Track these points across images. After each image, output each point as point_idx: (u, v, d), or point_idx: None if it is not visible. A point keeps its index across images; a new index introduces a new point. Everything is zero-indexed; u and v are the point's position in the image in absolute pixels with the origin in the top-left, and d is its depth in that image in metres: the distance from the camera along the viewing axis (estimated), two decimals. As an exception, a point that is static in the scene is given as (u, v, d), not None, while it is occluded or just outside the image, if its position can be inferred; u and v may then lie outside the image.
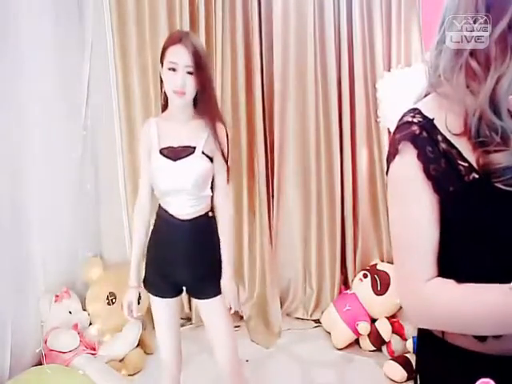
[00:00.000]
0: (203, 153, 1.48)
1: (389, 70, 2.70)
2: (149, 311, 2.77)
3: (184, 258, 1.52)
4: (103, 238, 2.80)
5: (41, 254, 2.37)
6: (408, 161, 0.73)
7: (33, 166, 2.29)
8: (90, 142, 2.71)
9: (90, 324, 2.50)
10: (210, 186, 1.54)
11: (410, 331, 2.37)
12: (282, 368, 2.44)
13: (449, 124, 0.72)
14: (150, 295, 1.60)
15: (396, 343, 2.43)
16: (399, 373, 2.25)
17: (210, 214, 1.55)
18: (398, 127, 0.77)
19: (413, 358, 2.15)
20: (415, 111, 0.76)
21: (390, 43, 2.79)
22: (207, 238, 1.54)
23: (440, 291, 0.70)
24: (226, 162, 1.53)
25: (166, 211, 1.53)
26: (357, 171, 2.89)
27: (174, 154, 1.47)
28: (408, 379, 2.23)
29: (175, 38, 1.42)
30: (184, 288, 1.62)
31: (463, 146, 0.71)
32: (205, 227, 1.54)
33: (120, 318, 2.48)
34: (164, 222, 1.55)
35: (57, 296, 2.39)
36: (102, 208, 2.79)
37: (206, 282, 1.55)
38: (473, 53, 0.71)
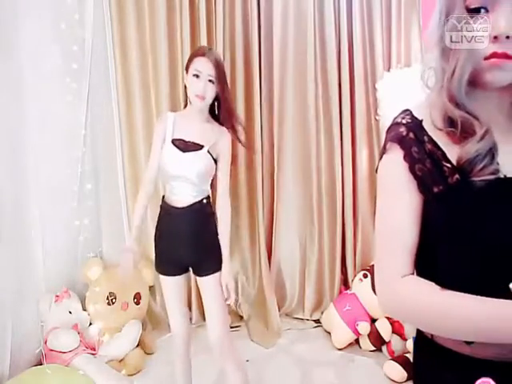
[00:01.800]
0: (209, 152, 1.68)
1: (389, 70, 2.70)
2: (149, 311, 2.80)
3: (185, 241, 1.69)
4: (103, 238, 2.80)
5: (41, 254, 2.37)
6: (394, 161, 0.75)
7: (33, 166, 2.29)
8: (89, 142, 2.71)
9: (90, 324, 2.50)
10: (210, 182, 1.74)
11: (410, 331, 2.36)
12: (282, 368, 2.44)
13: (435, 121, 0.74)
14: (160, 275, 1.78)
15: (396, 343, 2.43)
16: (399, 373, 2.25)
17: (205, 200, 1.71)
18: (389, 127, 0.79)
19: (413, 358, 2.15)
20: (406, 112, 0.78)
21: (390, 43, 2.79)
22: (203, 220, 1.72)
23: (413, 289, 0.72)
24: (231, 166, 1.76)
25: (168, 203, 1.71)
26: (357, 171, 2.89)
27: (184, 146, 1.67)
28: (408, 379, 2.23)
29: (201, 52, 1.66)
30: (190, 268, 1.78)
31: (448, 147, 0.73)
32: (201, 211, 1.71)
33: (120, 318, 2.49)
34: (165, 212, 1.73)
35: (57, 296, 2.40)
36: (102, 208, 2.79)
37: (204, 261, 1.71)
38: (443, 54, 0.73)
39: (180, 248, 1.70)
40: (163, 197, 1.76)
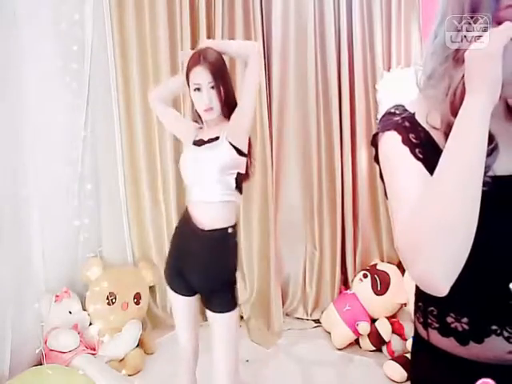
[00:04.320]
0: (228, 142, 1.54)
1: (389, 70, 2.70)
2: (149, 311, 2.80)
3: (197, 266, 1.57)
4: (103, 238, 2.80)
5: (41, 254, 2.37)
6: (394, 145, 0.73)
7: (33, 166, 2.29)
8: (89, 142, 2.71)
9: (90, 324, 2.50)
10: (235, 176, 1.55)
11: (410, 331, 2.36)
12: (282, 368, 2.44)
13: (430, 119, 0.72)
14: (170, 291, 1.66)
15: (396, 343, 2.44)
16: (399, 373, 2.25)
17: (230, 230, 1.56)
18: (382, 117, 0.78)
19: (413, 358, 2.15)
20: (398, 105, 0.77)
21: (390, 43, 2.79)
22: (223, 251, 1.58)
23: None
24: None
25: (190, 218, 1.57)
26: (357, 171, 2.89)
27: (202, 142, 1.60)
28: (408, 379, 2.23)
29: (195, 61, 1.55)
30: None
31: (442, 142, 0.70)
32: (222, 241, 1.56)
33: (120, 318, 2.49)
34: (186, 227, 1.60)
35: (57, 296, 2.40)
36: (102, 208, 2.79)
37: (217, 295, 1.55)
38: (457, 60, 0.69)
39: (192, 270, 1.58)
40: (186, 208, 1.62)
